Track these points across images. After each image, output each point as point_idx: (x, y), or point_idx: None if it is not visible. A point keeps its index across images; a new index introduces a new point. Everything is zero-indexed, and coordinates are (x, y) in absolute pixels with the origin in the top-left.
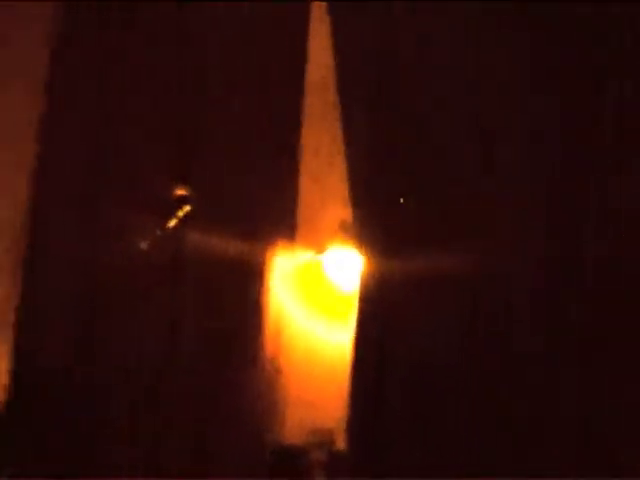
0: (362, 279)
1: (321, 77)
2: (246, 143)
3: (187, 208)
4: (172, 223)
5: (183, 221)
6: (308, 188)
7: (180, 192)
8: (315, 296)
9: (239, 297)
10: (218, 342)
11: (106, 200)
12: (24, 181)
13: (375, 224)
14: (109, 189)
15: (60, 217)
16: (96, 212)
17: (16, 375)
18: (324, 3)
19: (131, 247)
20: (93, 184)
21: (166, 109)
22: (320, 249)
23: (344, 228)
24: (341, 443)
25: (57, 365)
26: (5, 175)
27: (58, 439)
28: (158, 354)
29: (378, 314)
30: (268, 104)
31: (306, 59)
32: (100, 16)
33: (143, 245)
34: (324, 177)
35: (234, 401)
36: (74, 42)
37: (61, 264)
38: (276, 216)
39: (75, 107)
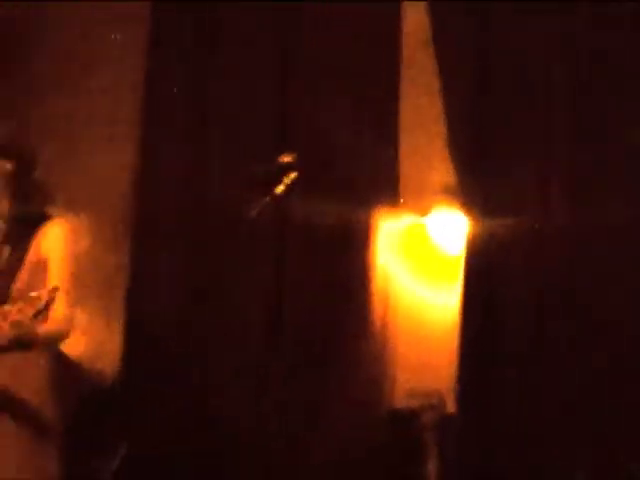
0: (467, 240)
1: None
2: (347, 110)
3: (293, 175)
4: (279, 190)
5: (289, 188)
6: (410, 152)
7: (286, 159)
8: (420, 259)
9: (345, 263)
10: (325, 309)
11: (212, 169)
12: (132, 156)
13: (477, 185)
14: (215, 159)
15: (167, 188)
16: (203, 182)
17: (128, 344)
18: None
19: (238, 215)
20: (199, 154)
21: (270, 82)
22: (424, 212)
23: (447, 190)
24: (451, 405)
25: (167, 333)
26: (114, 152)
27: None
28: (263, 323)
29: (484, 274)
30: (367, 74)
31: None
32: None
33: (252, 213)
34: (426, 140)
35: (344, 368)
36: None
37: (169, 234)
38: (380, 181)
39: (176, 76)
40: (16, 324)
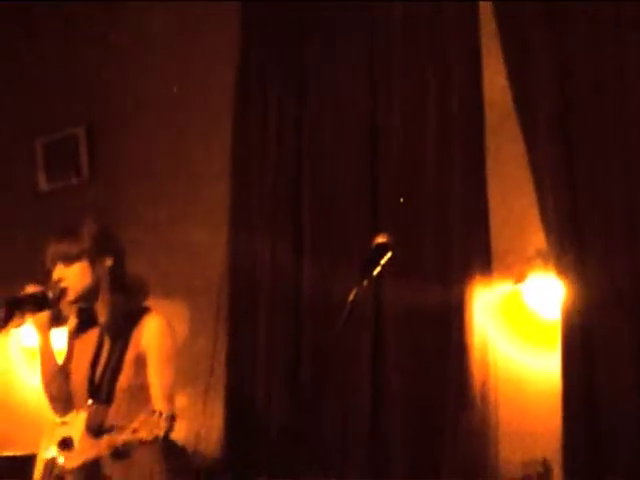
0: (563, 305)
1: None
2: (435, 183)
3: (388, 255)
4: (376, 271)
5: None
6: (500, 218)
7: (381, 240)
8: (518, 326)
9: (443, 336)
10: (425, 384)
11: (306, 251)
12: (224, 238)
13: (571, 250)
14: (308, 239)
15: (262, 271)
16: (297, 263)
17: (229, 426)
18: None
19: (334, 298)
20: (292, 235)
21: (361, 162)
22: (519, 278)
23: (541, 255)
24: (557, 474)
25: (267, 415)
26: (207, 233)
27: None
28: (365, 403)
29: (583, 338)
30: (453, 145)
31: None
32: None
33: (350, 296)
34: (515, 206)
35: (447, 440)
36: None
37: (266, 317)
38: (471, 250)
39: (266, 157)
40: (127, 443)
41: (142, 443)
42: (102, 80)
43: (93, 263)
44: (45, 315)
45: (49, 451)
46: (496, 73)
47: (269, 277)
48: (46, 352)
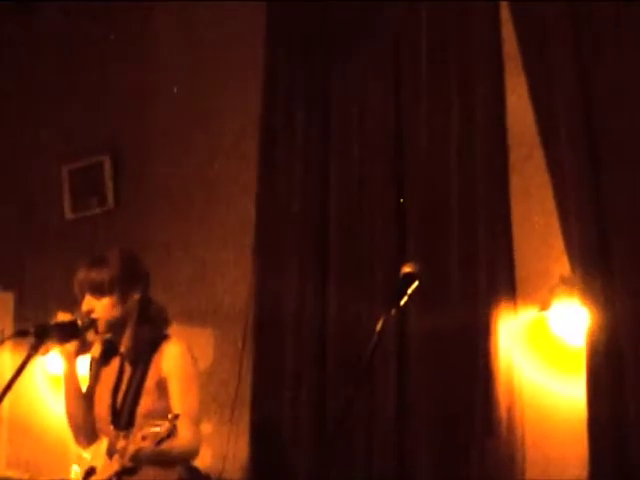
0: (589, 332)
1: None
2: (458, 208)
3: (415, 284)
4: (403, 301)
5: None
6: (523, 244)
7: (408, 269)
8: (543, 353)
9: (468, 361)
10: (451, 412)
11: (331, 281)
12: (249, 262)
13: (596, 277)
14: (333, 269)
15: (288, 293)
16: (322, 293)
17: (255, 452)
18: None
19: (362, 321)
20: (317, 265)
21: (387, 185)
22: (544, 305)
23: (565, 281)
24: None
25: (293, 441)
26: (233, 256)
27: None
28: (389, 434)
29: (609, 364)
30: (476, 175)
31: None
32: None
33: (378, 326)
34: (538, 232)
35: (473, 467)
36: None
37: (290, 343)
38: (496, 275)
39: (293, 179)
40: (137, 452)
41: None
42: (128, 107)
43: (123, 297)
44: (73, 345)
45: None
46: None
47: (295, 301)
48: (71, 381)
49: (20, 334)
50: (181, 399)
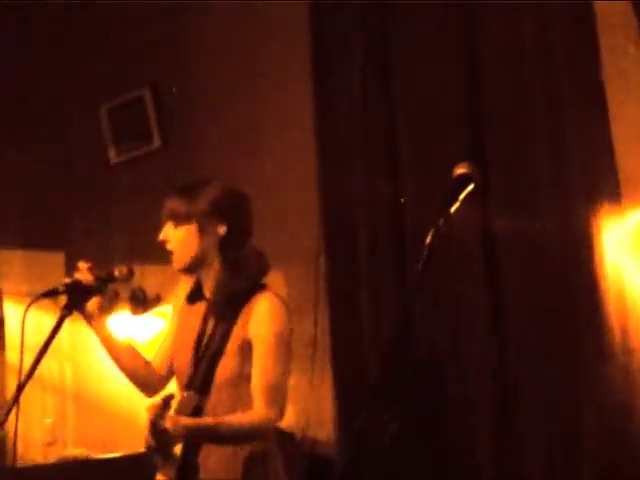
0: None
1: None
2: (542, 103)
3: (470, 188)
4: (454, 208)
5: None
6: (625, 145)
7: (461, 170)
8: None
9: (569, 281)
10: (553, 342)
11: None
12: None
13: None
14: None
15: (360, 228)
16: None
17: (340, 408)
18: None
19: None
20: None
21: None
22: None
23: None
24: None
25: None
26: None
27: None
28: (488, 358)
29: None
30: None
31: None
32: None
33: (428, 238)
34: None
35: (586, 396)
36: None
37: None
38: (598, 180)
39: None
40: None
41: None
42: (164, 34)
43: (203, 229)
44: (95, 302)
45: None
46: None
47: (366, 228)
48: (108, 340)
49: (50, 294)
50: (261, 370)
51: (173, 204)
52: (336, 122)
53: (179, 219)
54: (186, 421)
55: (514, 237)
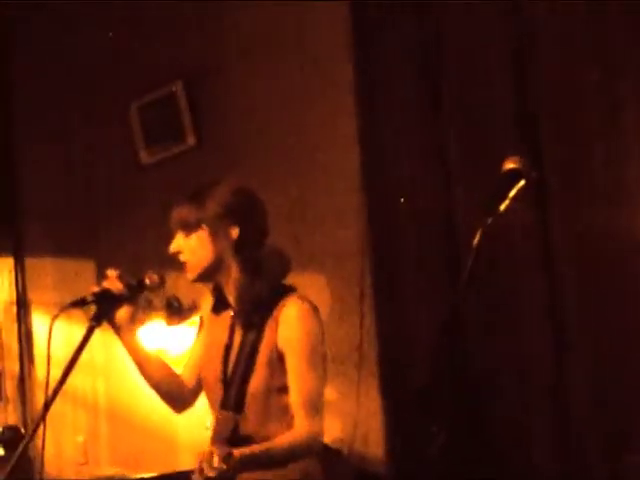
0: None
1: None
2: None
3: (521, 184)
4: (503, 206)
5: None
6: None
7: (511, 165)
8: None
9: (629, 270)
10: (612, 331)
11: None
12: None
13: None
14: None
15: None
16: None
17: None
18: None
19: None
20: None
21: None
22: None
23: None
24: None
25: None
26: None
27: None
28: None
29: None
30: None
31: None
32: None
33: (476, 239)
34: None
35: None
36: None
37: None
38: None
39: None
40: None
41: None
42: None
43: (214, 233)
44: (126, 311)
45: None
46: None
47: (413, 223)
48: (137, 351)
49: (78, 304)
50: (298, 382)
51: (181, 212)
52: (379, 118)
53: (189, 227)
54: (239, 454)
55: (572, 241)
